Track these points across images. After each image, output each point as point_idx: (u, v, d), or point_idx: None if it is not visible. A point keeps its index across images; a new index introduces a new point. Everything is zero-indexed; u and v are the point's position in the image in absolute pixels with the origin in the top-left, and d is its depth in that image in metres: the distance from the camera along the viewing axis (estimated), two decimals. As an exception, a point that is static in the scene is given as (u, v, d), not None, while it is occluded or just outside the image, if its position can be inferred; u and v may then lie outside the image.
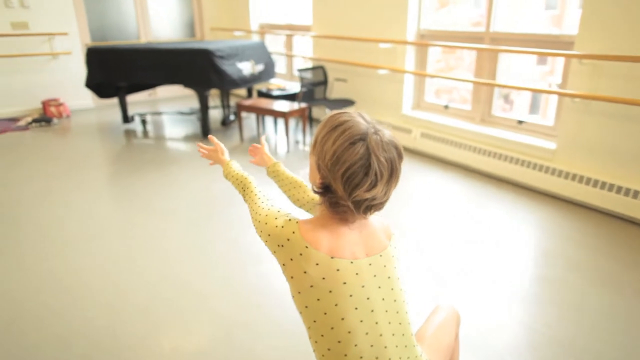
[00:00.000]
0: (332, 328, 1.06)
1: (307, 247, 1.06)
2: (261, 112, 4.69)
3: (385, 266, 1.12)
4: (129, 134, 5.31)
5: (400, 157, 1.07)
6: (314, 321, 1.08)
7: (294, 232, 1.07)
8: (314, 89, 5.06)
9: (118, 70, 5.02)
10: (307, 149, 4.69)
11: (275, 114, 4.56)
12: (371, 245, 1.13)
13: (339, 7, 5.04)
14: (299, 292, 1.08)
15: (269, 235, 1.11)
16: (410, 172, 3.98)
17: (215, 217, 3.15)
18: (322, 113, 5.20)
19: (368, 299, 1.07)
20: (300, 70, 4.90)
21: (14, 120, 5.88)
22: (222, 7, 7.44)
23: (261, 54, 5.47)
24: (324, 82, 5.11)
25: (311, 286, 1.06)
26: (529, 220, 3.07)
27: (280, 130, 5.39)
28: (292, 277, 1.08)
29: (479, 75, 4.00)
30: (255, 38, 6.88)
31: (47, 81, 6.23)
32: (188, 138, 5.15)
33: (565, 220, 3.07)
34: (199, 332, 2.03)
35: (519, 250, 2.70)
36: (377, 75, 4.76)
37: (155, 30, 7.17)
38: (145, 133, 5.35)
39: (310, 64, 5.75)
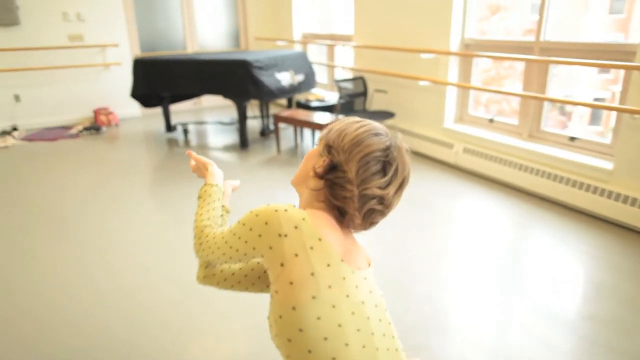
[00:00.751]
0: (333, 358, 0.84)
1: (320, 239, 0.87)
2: (298, 124, 4.64)
3: (375, 284, 0.99)
4: (171, 142, 5.41)
5: (410, 174, 1.00)
6: (309, 351, 0.84)
7: (304, 219, 0.88)
8: (353, 100, 4.95)
9: (161, 80, 5.14)
10: (344, 162, 4.58)
11: (312, 126, 4.48)
12: (363, 259, 0.99)
13: (381, 17, 4.91)
14: (294, 308, 0.84)
15: (265, 224, 0.87)
16: (450, 190, 3.77)
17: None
18: (361, 125, 5.07)
19: (368, 318, 0.90)
20: (339, 81, 4.80)
21: (67, 128, 6.15)
22: (266, 17, 7.50)
23: (301, 64, 5.43)
24: (364, 94, 4.99)
25: (313, 297, 0.84)
26: (579, 248, 2.80)
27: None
28: (290, 284, 0.84)
29: (527, 87, 3.74)
30: (298, 48, 6.87)
31: (98, 91, 6.49)
32: (227, 148, 5.18)
33: (622, 249, 2.77)
34: (237, 342, 1.96)
35: (566, 282, 2.45)
36: (418, 86, 4.58)
37: (202, 40, 7.32)
38: (186, 142, 5.43)
39: (350, 75, 5.64)
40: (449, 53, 4.13)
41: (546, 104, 3.70)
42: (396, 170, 0.94)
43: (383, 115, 4.66)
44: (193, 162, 1.30)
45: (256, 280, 1.18)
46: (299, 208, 1.01)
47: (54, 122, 6.28)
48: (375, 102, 5.17)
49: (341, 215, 0.98)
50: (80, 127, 6.05)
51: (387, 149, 0.93)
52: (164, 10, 6.94)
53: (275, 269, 0.87)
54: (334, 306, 0.85)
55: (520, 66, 3.87)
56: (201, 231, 1.06)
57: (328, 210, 0.98)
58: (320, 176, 0.96)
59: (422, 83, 4.45)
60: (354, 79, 4.97)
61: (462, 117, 4.44)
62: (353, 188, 0.91)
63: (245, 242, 0.92)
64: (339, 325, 0.85)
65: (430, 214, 3.32)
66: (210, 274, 1.19)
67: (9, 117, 6.05)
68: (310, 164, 1.02)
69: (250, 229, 0.90)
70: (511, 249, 2.83)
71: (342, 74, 6.08)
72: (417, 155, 4.66)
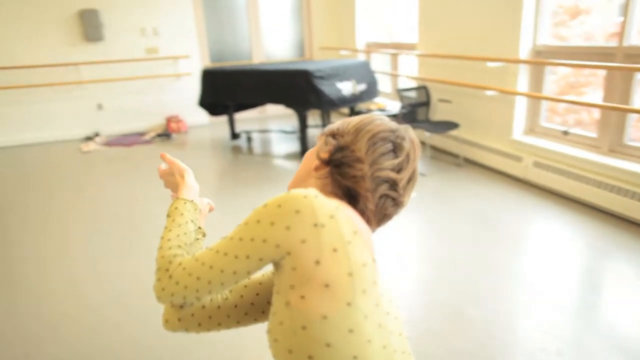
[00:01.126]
0: None
1: (355, 232, 0.76)
2: (357, 134, 4.58)
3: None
4: (236, 150, 5.58)
5: (417, 171, 0.92)
6: None
7: (337, 207, 0.76)
8: (416, 110, 4.81)
9: (226, 90, 5.31)
10: (403, 173, 4.45)
11: (372, 136, 4.40)
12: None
13: (446, 24, 4.74)
14: (324, 318, 0.71)
15: (296, 212, 0.72)
16: (517, 206, 3.52)
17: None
18: (423, 135, 4.92)
19: (391, 333, 0.80)
20: (401, 90, 4.69)
21: (142, 134, 6.55)
22: (330, 27, 7.54)
23: (364, 73, 5.38)
24: (427, 103, 4.83)
25: (348, 304, 0.72)
26: (665, 278, 2.49)
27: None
28: (325, 286, 0.71)
29: (609, 97, 3.42)
30: (361, 57, 6.83)
31: (170, 99, 6.86)
32: (288, 156, 5.24)
33: None
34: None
35: (647, 317, 2.18)
36: (485, 96, 4.36)
37: (268, 50, 7.51)
38: (249, 150, 5.57)
39: (414, 84, 5.50)
40: (519, 61, 3.89)
41: (630, 115, 3.36)
42: (407, 156, 0.86)
43: (447, 125, 4.48)
44: (164, 166, 1.06)
45: (249, 308, 0.98)
46: None
47: (130, 129, 6.71)
48: (438, 112, 4.99)
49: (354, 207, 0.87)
50: (153, 134, 6.41)
51: (396, 130, 0.87)
52: (232, 22, 7.20)
53: (307, 269, 0.72)
54: (366, 317, 0.73)
55: (603, 73, 3.55)
56: (169, 262, 0.80)
57: (337, 189, 0.88)
58: (326, 161, 0.86)
59: (488, 92, 4.23)
60: (416, 88, 4.83)
61: (533, 129, 4.15)
62: (363, 167, 0.82)
63: (264, 241, 0.73)
64: (368, 341, 0.73)
65: (493, 231, 3.12)
66: (187, 315, 0.93)
67: (93, 124, 6.55)
68: (309, 162, 0.93)
69: (272, 223, 0.72)
70: (585, 276, 2.57)
71: (405, 83, 5.95)
72: (482, 167, 4.43)
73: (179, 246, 0.85)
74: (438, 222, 3.38)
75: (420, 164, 4.65)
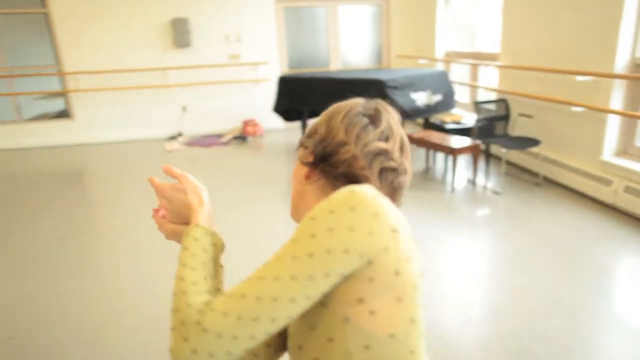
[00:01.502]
0: None
1: (412, 238, 0.72)
2: (428, 146, 4.46)
3: None
4: (305, 156, 5.66)
5: (406, 138, 0.83)
6: None
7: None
8: (493, 123, 4.58)
9: (301, 96, 5.42)
10: (478, 190, 4.26)
11: (444, 150, 4.26)
12: None
13: (530, 34, 4.47)
14: (392, 336, 0.66)
15: (375, 216, 0.64)
16: (603, 234, 3.22)
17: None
18: (499, 151, 4.67)
19: (425, 351, 0.77)
20: (477, 103, 4.49)
21: (220, 136, 6.88)
22: (409, 34, 7.42)
23: (440, 83, 5.23)
24: (506, 117, 4.58)
25: (412, 320, 0.68)
26: None
27: (456, 167, 5.04)
28: (398, 300, 0.65)
29: None
30: (440, 66, 6.64)
31: (248, 103, 7.14)
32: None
33: None
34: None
35: None
36: (571, 112, 4.04)
37: (345, 57, 7.55)
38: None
39: (494, 96, 5.25)
40: (614, 76, 3.55)
41: None
42: (388, 124, 0.79)
43: (526, 141, 4.22)
44: (157, 182, 0.84)
45: (280, 345, 0.87)
46: None
47: (210, 130, 7.07)
48: (518, 127, 4.71)
49: None
50: (230, 136, 6.71)
51: (367, 102, 0.81)
52: (312, 30, 7.34)
53: (387, 280, 0.64)
54: (420, 335, 0.69)
55: None
56: (199, 311, 0.61)
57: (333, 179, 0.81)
58: (313, 162, 0.78)
59: (575, 108, 3.91)
60: (495, 101, 4.60)
61: (626, 150, 3.78)
62: (349, 147, 0.75)
63: (346, 251, 0.61)
64: (411, 352, 0.69)
65: (570, 260, 2.87)
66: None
67: (177, 124, 6.99)
68: (298, 177, 0.84)
69: (352, 229, 0.61)
70: (675, 319, 2.28)
71: (485, 95, 5.69)
72: (563, 188, 4.11)
73: (208, 291, 0.66)
74: (509, 245, 3.18)
75: (493, 181, 4.41)
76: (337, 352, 0.66)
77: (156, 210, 0.85)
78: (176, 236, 0.83)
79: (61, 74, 6.49)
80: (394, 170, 0.77)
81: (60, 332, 2.34)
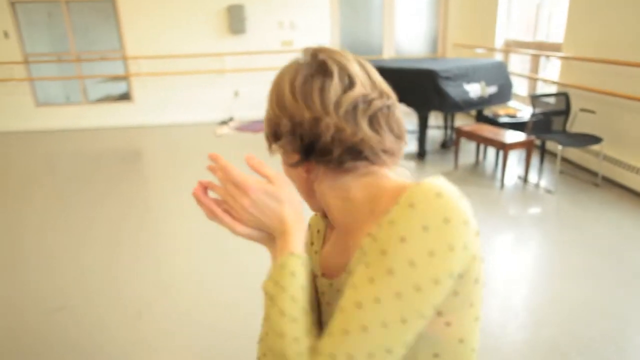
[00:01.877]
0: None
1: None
2: (480, 140, 4.30)
3: None
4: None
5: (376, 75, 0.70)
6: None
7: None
8: (551, 118, 4.34)
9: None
10: (530, 188, 4.08)
11: (495, 144, 4.10)
12: None
13: (598, 23, 4.16)
14: (461, 341, 0.61)
15: (465, 224, 0.55)
16: (662, 243, 2.99)
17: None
18: (556, 148, 4.42)
19: None
20: (534, 96, 4.27)
21: (270, 122, 6.99)
22: (467, 22, 7.13)
23: (496, 74, 5.01)
24: (565, 112, 4.32)
25: (476, 319, 0.64)
26: None
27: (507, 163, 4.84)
28: (471, 306, 0.61)
29: None
30: (498, 56, 6.35)
31: (299, 91, 7.18)
32: (407, 157, 5.14)
33: None
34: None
35: None
36: (637, 108, 3.74)
37: (399, 45, 7.40)
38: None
39: (554, 89, 4.96)
40: (690, 70, 3.26)
41: None
42: (340, 64, 0.64)
43: (586, 138, 3.97)
44: (238, 173, 0.66)
45: None
46: (328, 217, 0.72)
47: (260, 116, 7.20)
48: (578, 123, 4.44)
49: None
50: (279, 123, 6.79)
51: (303, 58, 0.66)
52: (367, 16, 7.24)
53: (469, 291, 0.59)
54: (479, 329, 0.65)
55: None
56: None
57: (364, 176, 0.67)
58: (303, 157, 0.65)
59: (644, 105, 3.63)
60: (554, 95, 4.35)
61: (700, 152, 3.47)
62: (323, 117, 0.61)
63: (450, 275, 0.55)
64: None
65: (623, 268, 2.70)
66: None
67: (229, 109, 7.17)
68: (299, 179, 0.70)
69: (451, 248, 0.54)
70: None
71: (546, 87, 5.39)
72: (624, 190, 3.84)
73: (308, 333, 0.59)
74: (557, 248, 3.03)
75: (547, 179, 4.20)
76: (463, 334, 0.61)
77: (219, 202, 0.68)
78: (247, 237, 0.68)
79: (124, 59, 6.82)
80: (383, 107, 0.65)
81: (108, 305, 2.50)
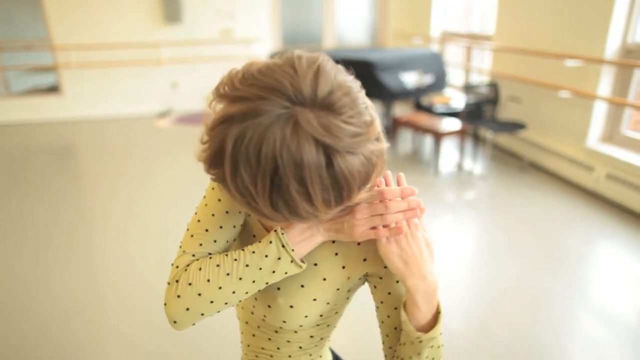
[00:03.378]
0: None
1: None
2: (416, 129, 4.42)
3: None
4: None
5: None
6: None
7: None
8: (483, 107, 4.54)
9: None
10: (464, 175, 4.25)
11: (432, 133, 4.23)
12: None
13: (525, 16, 4.37)
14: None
15: None
16: (582, 221, 3.22)
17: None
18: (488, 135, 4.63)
19: None
20: (467, 86, 4.44)
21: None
22: (406, 13, 7.27)
23: (432, 64, 5.15)
24: (494, 101, 4.53)
25: None
26: None
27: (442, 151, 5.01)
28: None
29: None
30: (435, 47, 6.54)
31: (240, 81, 7.05)
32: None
33: None
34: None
35: None
36: (559, 97, 3.99)
37: (340, 34, 7.43)
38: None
39: (485, 78, 5.18)
40: (603, 61, 3.50)
41: None
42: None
43: (513, 126, 4.18)
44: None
45: None
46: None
47: (200, 108, 7.01)
48: (506, 111, 4.67)
49: None
50: (221, 114, 6.65)
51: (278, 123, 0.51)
52: (308, 4, 7.20)
53: None
54: None
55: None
56: None
57: None
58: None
59: (563, 93, 3.87)
60: (484, 85, 4.55)
61: (612, 137, 3.75)
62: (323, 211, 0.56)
63: None
64: None
65: (549, 246, 2.89)
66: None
67: (167, 101, 6.93)
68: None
69: None
70: (641, 308, 2.31)
71: (477, 77, 5.61)
72: (548, 174, 4.09)
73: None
74: (491, 230, 3.19)
75: (480, 165, 4.39)
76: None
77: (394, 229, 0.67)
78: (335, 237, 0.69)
79: (51, 48, 6.39)
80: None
81: (38, 306, 2.36)
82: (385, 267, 0.69)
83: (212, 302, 0.66)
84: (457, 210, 3.52)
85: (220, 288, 0.65)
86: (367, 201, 0.67)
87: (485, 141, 4.82)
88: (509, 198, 3.66)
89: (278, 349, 0.81)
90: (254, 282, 0.66)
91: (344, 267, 0.72)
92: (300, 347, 0.80)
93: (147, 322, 2.25)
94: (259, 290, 0.71)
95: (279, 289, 0.73)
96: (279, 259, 0.65)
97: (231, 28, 6.78)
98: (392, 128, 4.73)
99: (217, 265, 0.67)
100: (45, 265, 2.79)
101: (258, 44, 6.92)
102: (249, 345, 0.85)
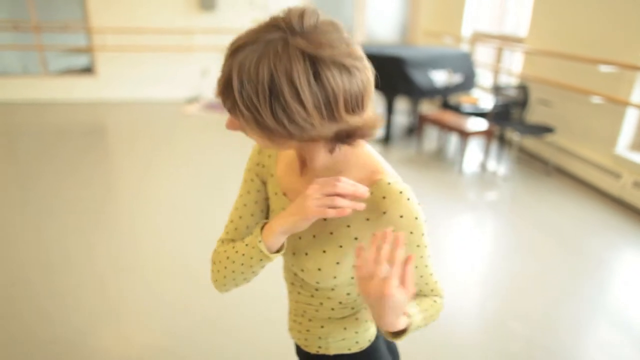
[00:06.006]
0: None
1: None
2: (442, 127, 4.44)
3: None
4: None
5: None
6: None
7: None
8: (511, 109, 4.52)
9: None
10: (487, 175, 4.25)
11: (458, 132, 4.25)
12: None
13: (560, 19, 4.34)
14: None
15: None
16: (605, 228, 3.21)
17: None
18: (514, 137, 4.61)
19: None
20: (497, 87, 4.44)
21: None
22: (437, 11, 7.25)
23: (462, 64, 5.15)
24: (524, 103, 4.52)
25: None
26: None
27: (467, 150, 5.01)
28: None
29: None
30: (465, 47, 6.51)
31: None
32: (371, 140, 5.23)
33: None
34: None
35: None
36: (590, 102, 3.96)
37: (370, 31, 7.45)
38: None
39: (515, 80, 5.15)
40: (638, 68, 3.46)
41: None
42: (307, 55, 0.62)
43: (541, 129, 4.17)
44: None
45: None
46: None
47: (229, 96, 7.13)
48: (535, 114, 4.64)
49: None
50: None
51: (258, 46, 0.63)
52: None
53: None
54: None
55: None
56: None
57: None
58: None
59: (595, 99, 3.84)
60: (514, 86, 4.53)
61: (642, 145, 3.71)
62: (313, 120, 0.65)
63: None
64: None
65: (570, 252, 2.89)
66: None
67: (196, 88, 7.06)
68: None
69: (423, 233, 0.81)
70: (662, 315, 2.31)
71: (506, 79, 5.58)
72: (573, 179, 4.07)
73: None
74: (511, 231, 3.21)
75: (504, 167, 4.39)
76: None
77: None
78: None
79: (87, 31, 6.58)
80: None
81: (68, 282, 2.49)
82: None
83: (226, 278, 0.87)
84: (479, 210, 3.54)
85: (231, 271, 0.86)
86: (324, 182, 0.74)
87: (512, 143, 4.81)
88: (532, 201, 3.66)
89: (321, 304, 0.91)
90: (242, 273, 0.84)
91: (349, 226, 0.80)
92: (340, 303, 0.89)
93: (177, 303, 2.35)
94: (294, 255, 0.85)
95: (307, 254, 0.83)
96: (260, 260, 0.81)
97: (263, 18, 6.85)
98: (419, 125, 4.76)
99: (227, 258, 0.86)
100: (73, 243, 2.92)
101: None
102: (297, 302, 0.95)
